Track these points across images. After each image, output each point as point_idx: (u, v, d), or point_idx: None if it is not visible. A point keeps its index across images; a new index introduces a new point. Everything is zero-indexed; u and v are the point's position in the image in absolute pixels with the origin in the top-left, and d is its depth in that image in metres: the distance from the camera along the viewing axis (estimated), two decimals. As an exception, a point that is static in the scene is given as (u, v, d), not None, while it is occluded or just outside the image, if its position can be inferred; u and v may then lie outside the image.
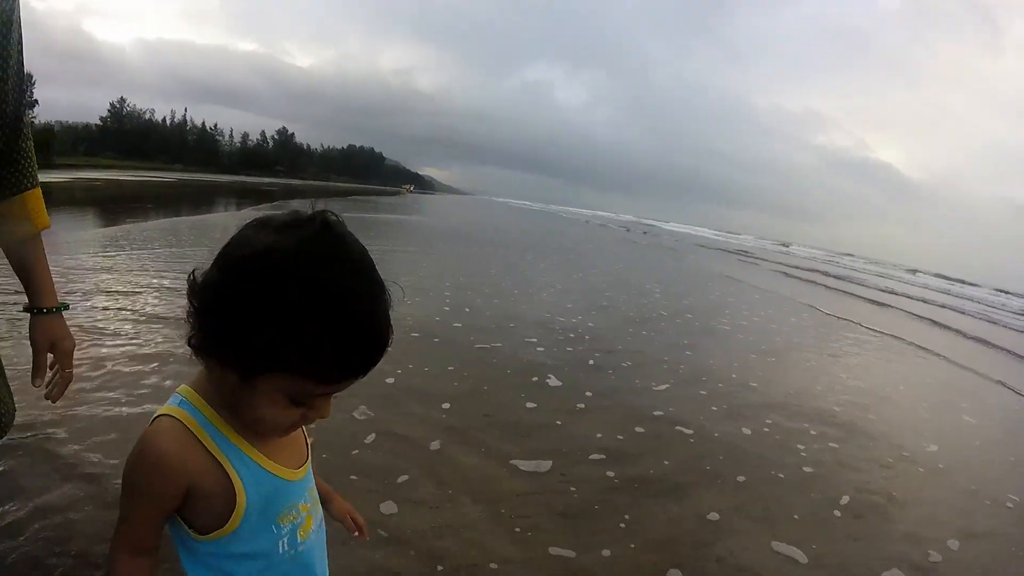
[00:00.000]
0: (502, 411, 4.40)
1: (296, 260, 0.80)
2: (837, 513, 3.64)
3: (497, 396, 4.68)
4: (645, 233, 50.33)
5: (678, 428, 4.54)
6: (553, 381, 5.22)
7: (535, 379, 5.22)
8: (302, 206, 0.92)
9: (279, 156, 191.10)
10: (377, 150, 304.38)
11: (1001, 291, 46.19)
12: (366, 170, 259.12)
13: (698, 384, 5.72)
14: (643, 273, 15.85)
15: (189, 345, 0.89)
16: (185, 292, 0.89)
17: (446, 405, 4.31)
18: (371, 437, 3.64)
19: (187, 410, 0.95)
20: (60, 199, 20.41)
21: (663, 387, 5.51)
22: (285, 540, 1.05)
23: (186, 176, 78.70)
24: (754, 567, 2.94)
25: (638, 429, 4.41)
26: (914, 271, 58.52)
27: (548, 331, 6.87)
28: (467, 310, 7.38)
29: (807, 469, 4.18)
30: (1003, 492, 4.35)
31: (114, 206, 20.21)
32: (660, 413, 4.79)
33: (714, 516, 3.35)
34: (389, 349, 0.89)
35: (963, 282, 49.46)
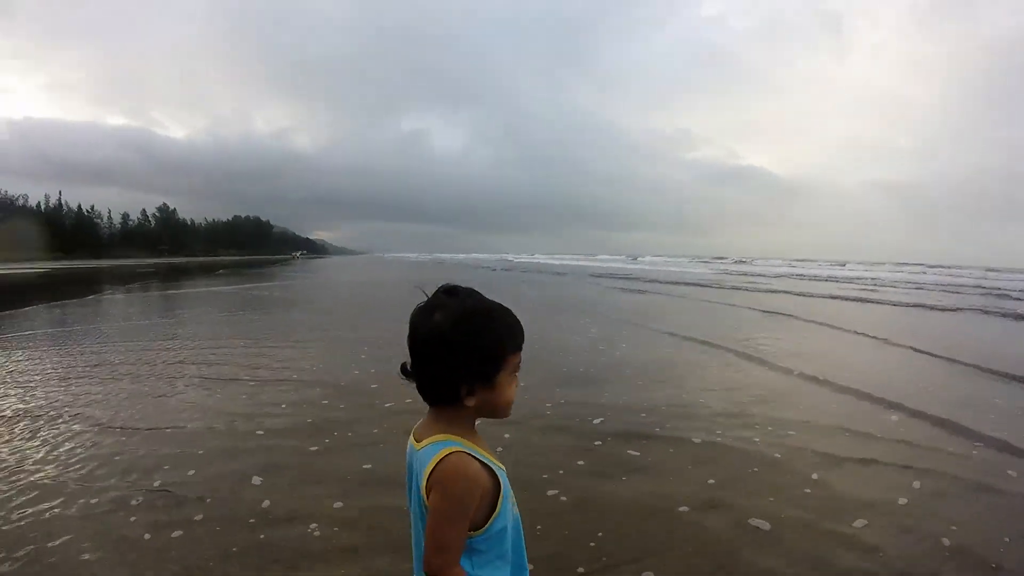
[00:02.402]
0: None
1: (487, 305, 1.49)
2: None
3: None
4: (501, 270, 55.81)
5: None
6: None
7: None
8: (420, 285, 1.68)
9: (162, 234, 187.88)
10: (264, 218, 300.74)
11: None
12: (255, 240, 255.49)
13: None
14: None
15: (449, 403, 1.47)
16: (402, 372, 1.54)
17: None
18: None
19: (454, 445, 1.42)
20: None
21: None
22: (512, 508, 1.53)
23: (59, 264, 78.63)
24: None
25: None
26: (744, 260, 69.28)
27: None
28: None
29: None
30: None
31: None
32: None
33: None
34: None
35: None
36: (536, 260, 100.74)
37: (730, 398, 6.97)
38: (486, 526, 1.45)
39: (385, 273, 51.72)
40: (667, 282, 32.90)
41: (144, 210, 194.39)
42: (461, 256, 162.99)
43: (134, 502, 4.22)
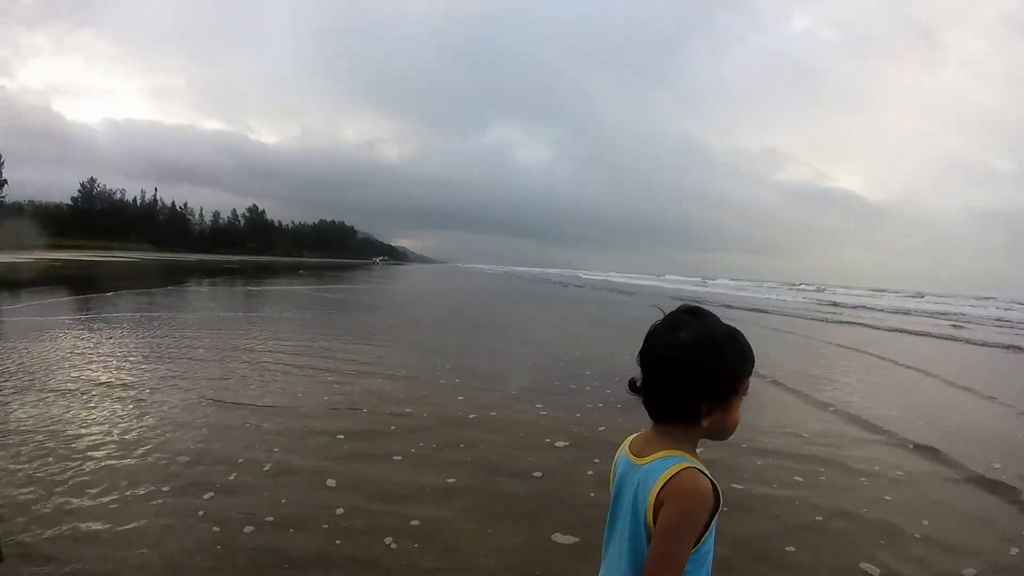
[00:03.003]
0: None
1: (729, 329, 1.51)
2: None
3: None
4: (560, 284, 55.63)
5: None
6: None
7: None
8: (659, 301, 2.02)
9: (251, 233, 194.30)
10: (348, 223, 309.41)
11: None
12: (339, 244, 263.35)
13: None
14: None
15: (685, 421, 1.46)
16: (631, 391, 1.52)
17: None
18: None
19: (685, 461, 1.42)
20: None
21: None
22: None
23: (150, 255, 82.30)
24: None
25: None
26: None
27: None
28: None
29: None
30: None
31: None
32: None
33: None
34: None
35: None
36: (608, 278, 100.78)
37: (826, 441, 6.37)
38: (696, 546, 1.41)
39: (462, 282, 52.24)
40: (741, 308, 31.64)
41: (234, 210, 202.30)
42: (536, 270, 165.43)
43: (207, 495, 4.03)
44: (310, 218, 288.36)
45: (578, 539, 3.77)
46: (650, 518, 1.41)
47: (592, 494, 4.43)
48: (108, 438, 5.00)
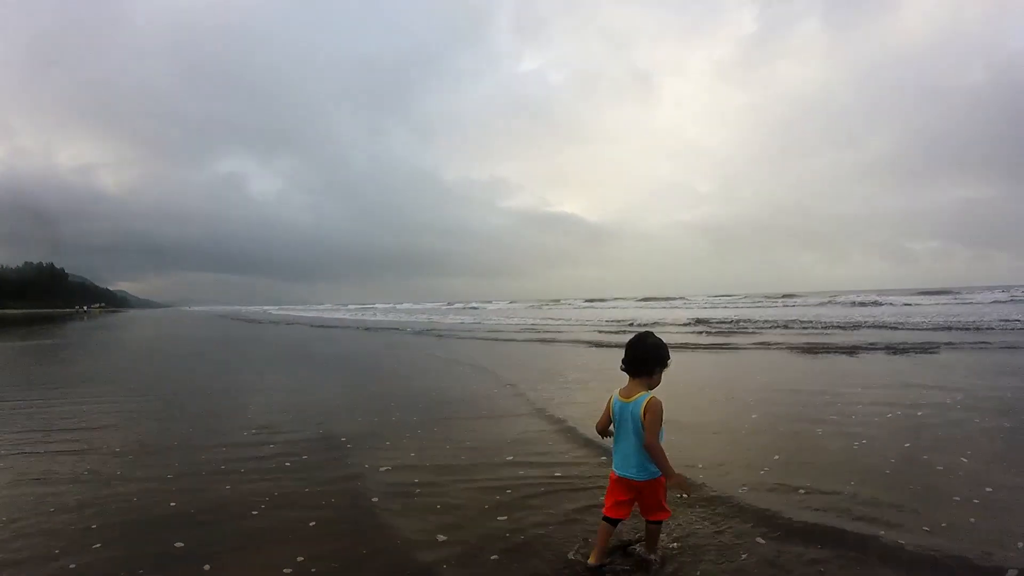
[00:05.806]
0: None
1: (659, 341, 3.74)
2: None
3: None
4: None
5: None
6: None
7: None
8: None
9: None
10: (58, 266, 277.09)
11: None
12: (47, 291, 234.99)
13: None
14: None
15: (647, 373, 3.67)
16: None
17: None
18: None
19: (651, 394, 3.63)
20: None
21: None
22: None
23: None
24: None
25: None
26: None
27: None
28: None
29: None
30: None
31: None
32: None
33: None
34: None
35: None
36: (291, 313, 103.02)
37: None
38: (661, 428, 3.57)
39: (149, 332, 45.50)
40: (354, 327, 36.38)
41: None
42: (268, 308, 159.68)
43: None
44: (13, 260, 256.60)
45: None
46: (642, 420, 3.50)
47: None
48: None
